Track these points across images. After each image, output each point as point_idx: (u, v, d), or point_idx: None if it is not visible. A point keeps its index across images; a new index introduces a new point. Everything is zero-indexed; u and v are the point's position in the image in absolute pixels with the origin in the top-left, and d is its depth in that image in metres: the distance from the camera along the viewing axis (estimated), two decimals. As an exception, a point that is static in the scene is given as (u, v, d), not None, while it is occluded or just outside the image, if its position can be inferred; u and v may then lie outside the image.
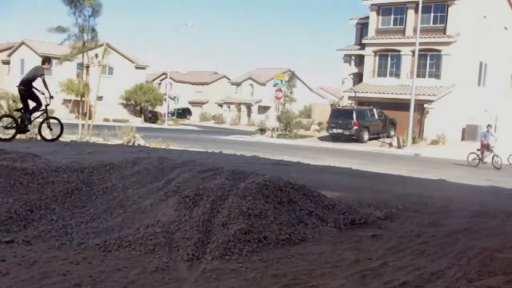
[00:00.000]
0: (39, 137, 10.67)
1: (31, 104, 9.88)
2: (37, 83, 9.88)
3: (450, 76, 27.26)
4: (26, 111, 9.79)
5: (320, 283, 2.98)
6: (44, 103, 10.00)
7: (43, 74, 9.76)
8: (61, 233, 3.77)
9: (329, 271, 3.23)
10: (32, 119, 10.02)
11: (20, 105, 10.00)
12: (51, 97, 9.93)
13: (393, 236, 4.21)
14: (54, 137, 10.62)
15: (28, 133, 10.52)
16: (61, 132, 10.67)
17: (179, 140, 20.01)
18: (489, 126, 18.34)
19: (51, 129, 10.42)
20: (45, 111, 10.16)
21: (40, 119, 10.27)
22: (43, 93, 9.83)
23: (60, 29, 15.62)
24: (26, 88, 9.68)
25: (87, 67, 16.50)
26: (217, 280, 2.98)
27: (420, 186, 8.44)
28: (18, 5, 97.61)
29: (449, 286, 3.02)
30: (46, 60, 10.21)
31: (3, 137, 10.09)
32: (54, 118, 10.56)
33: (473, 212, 5.63)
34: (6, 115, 10.74)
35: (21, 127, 9.79)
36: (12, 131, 9.95)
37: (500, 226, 4.99)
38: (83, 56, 16.31)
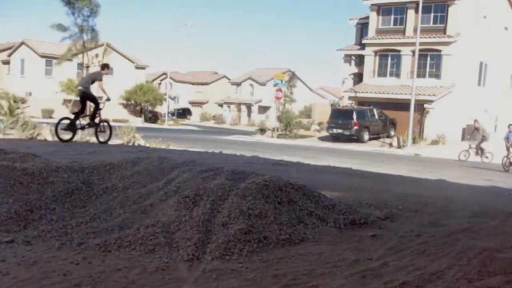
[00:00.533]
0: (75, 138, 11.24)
1: (90, 106, 10.75)
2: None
3: (450, 76, 27.27)
4: (82, 113, 10.66)
5: (320, 283, 2.98)
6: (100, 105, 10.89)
7: (101, 79, 10.62)
8: (61, 233, 3.77)
9: (329, 271, 3.23)
10: (96, 121, 10.84)
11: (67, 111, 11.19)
12: (107, 99, 10.73)
13: (393, 236, 4.21)
14: (106, 139, 11.21)
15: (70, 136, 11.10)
16: (111, 134, 11.28)
17: (179, 140, 20.01)
18: (510, 125, 17.82)
19: (103, 132, 11.03)
20: (99, 114, 10.93)
21: (93, 123, 11.00)
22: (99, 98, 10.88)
23: (61, 27, 15.66)
24: (86, 90, 10.48)
25: (87, 67, 16.51)
26: (217, 280, 2.98)
27: (420, 186, 8.43)
28: (18, 5, 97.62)
29: (449, 286, 3.02)
30: (106, 66, 11.02)
31: (63, 138, 10.71)
32: (105, 121, 11.23)
33: (473, 212, 5.63)
34: (65, 118, 11.22)
35: (77, 129, 10.71)
36: (71, 133, 10.74)
37: (500, 226, 4.99)
38: (83, 56, 16.33)
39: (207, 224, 3.84)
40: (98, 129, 10.98)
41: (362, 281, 3.05)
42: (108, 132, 11.13)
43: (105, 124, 11.11)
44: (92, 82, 10.57)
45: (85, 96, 10.55)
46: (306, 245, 3.84)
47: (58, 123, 10.71)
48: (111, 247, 3.48)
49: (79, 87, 10.54)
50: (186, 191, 4.41)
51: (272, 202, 4.36)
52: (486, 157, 18.97)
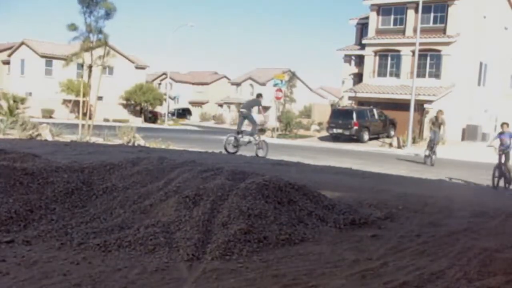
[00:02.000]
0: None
1: (249, 125, 13.26)
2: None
3: (450, 76, 27.26)
4: (242, 132, 12.94)
5: (320, 283, 2.98)
6: (257, 127, 13.28)
7: (260, 105, 13.44)
8: (61, 233, 3.77)
9: (329, 271, 3.23)
10: (249, 139, 13.05)
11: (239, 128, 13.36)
12: (265, 122, 13.60)
13: (393, 236, 4.22)
14: (264, 154, 13.12)
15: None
16: (267, 150, 13.31)
17: (179, 140, 20.00)
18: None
19: (262, 148, 13.23)
20: (258, 134, 13.29)
21: (255, 140, 13.19)
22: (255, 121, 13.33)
23: (73, 27, 15.66)
24: (248, 112, 13.05)
25: (90, 67, 16.47)
26: (217, 280, 2.98)
27: (420, 186, 8.44)
28: (18, 5, 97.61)
29: (449, 286, 3.02)
30: (260, 95, 13.92)
31: (230, 150, 12.82)
32: (263, 141, 13.59)
33: (473, 212, 5.64)
34: (232, 135, 13.46)
35: (240, 144, 12.94)
36: (235, 148, 12.98)
37: (500, 226, 4.99)
38: (90, 56, 16.27)
39: (207, 224, 3.84)
40: (258, 146, 13.12)
41: (362, 281, 3.05)
42: (265, 148, 13.34)
43: (263, 141, 13.49)
44: (252, 106, 13.24)
45: (247, 118, 13.02)
46: (306, 245, 3.84)
47: (227, 138, 13.06)
48: (111, 247, 3.48)
49: (243, 110, 13.15)
50: (186, 191, 4.41)
51: (272, 202, 4.36)
52: (428, 157, 15.86)
